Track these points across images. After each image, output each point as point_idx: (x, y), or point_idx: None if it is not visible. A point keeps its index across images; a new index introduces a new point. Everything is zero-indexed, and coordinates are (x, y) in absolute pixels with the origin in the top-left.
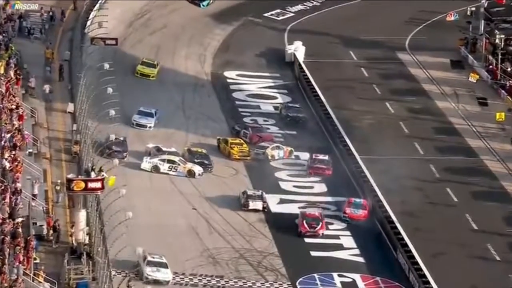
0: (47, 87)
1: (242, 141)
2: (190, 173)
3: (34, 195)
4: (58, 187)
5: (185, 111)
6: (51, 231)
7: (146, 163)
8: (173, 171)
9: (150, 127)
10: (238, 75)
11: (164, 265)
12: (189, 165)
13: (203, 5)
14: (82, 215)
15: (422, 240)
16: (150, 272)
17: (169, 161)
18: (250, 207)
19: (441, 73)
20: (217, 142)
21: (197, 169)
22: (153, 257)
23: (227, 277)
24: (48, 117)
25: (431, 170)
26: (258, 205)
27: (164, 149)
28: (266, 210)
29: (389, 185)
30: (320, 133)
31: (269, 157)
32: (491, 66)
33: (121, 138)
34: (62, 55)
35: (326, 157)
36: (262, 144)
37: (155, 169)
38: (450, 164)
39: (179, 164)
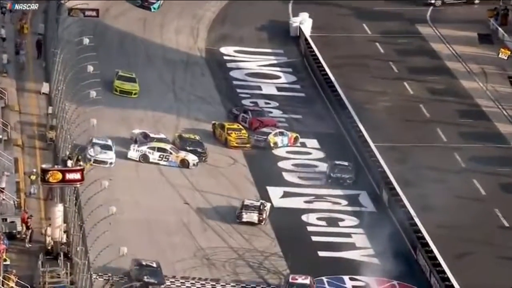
0: (5, 57)
1: (240, 127)
2: (184, 163)
3: (2, 188)
4: (33, 177)
5: (175, 92)
6: (24, 229)
7: (134, 152)
8: (164, 161)
9: (111, 163)
10: (236, 51)
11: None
12: (183, 154)
13: (154, 8)
14: (58, 210)
15: (445, 238)
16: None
17: (159, 149)
18: (244, 220)
19: (467, 48)
20: (212, 127)
21: (192, 158)
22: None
23: (224, 280)
24: (20, 99)
25: (455, 159)
26: (253, 217)
27: (152, 135)
28: (263, 223)
29: (408, 176)
30: (329, 117)
31: (272, 145)
32: None
33: (154, 264)
34: (35, 28)
35: (308, 281)
36: (263, 130)
37: (144, 158)
38: (477, 152)
39: (171, 153)
